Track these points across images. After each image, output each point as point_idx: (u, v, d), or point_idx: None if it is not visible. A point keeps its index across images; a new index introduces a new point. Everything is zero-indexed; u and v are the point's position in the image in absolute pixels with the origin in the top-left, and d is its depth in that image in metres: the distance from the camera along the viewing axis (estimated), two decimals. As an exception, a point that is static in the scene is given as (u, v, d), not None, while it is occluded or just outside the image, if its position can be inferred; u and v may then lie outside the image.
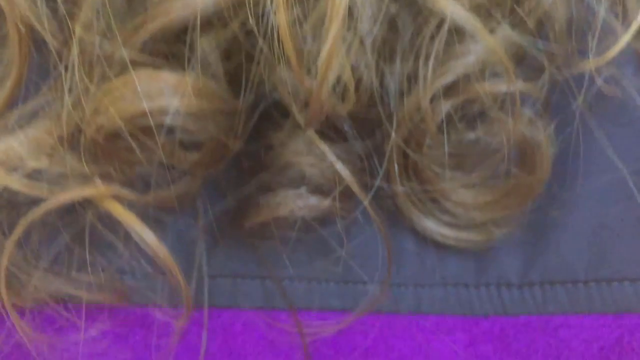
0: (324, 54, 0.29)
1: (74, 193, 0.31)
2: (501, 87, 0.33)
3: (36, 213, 0.31)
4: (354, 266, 0.36)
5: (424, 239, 0.37)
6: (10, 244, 0.31)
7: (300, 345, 0.36)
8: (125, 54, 0.30)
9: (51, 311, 0.33)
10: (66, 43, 0.32)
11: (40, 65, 0.33)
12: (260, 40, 0.30)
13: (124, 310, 0.36)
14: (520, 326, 0.36)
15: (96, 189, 0.31)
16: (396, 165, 0.35)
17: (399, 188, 0.35)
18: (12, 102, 0.33)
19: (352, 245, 0.36)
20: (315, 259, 0.36)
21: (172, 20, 0.30)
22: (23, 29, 0.32)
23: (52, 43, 0.32)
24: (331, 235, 0.35)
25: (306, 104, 0.32)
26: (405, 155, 0.35)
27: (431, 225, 0.36)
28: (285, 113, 0.33)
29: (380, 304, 0.36)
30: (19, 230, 0.31)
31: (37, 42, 0.33)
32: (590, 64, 0.31)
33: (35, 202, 0.32)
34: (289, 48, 0.29)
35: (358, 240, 0.36)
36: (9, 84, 0.33)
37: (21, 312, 0.34)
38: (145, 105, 0.30)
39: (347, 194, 0.34)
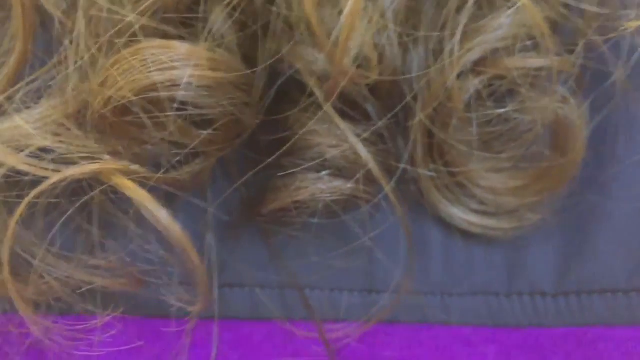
0: (345, 14, 0.27)
1: (80, 168, 0.30)
2: (534, 61, 0.31)
3: (40, 189, 0.29)
4: (377, 271, 0.34)
5: (450, 229, 0.35)
6: (12, 222, 0.30)
7: (323, 357, 0.34)
8: (135, 21, 0.29)
9: (64, 321, 0.32)
10: (70, 13, 0.30)
11: (45, 40, 0.32)
12: (283, 6, 0.29)
13: (138, 322, 0.34)
14: (556, 338, 0.34)
15: (104, 164, 0.30)
16: (421, 147, 0.33)
17: (424, 171, 0.33)
18: (17, 79, 0.32)
19: (375, 235, 0.34)
20: (336, 249, 0.34)
21: None
22: (27, 0, 0.31)
23: (55, 13, 0.31)
24: (353, 223, 0.34)
25: (325, 77, 0.30)
26: (430, 136, 0.33)
27: (457, 213, 0.34)
28: (304, 91, 0.32)
29: (407, 314, 0.34)
30: (22, 208, 0.30)
31: (42, 16, 0.32)
32: (631, 24, 0.29)
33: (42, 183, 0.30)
34: (309, 9, 0.28)
35: (381, 230, 0.34)
36: (13, 59, 0.32)
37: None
38: (156, 77, 0.29)
39: (370, 178, 0.32)
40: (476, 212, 0.34)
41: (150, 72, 0.29)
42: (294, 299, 0.35)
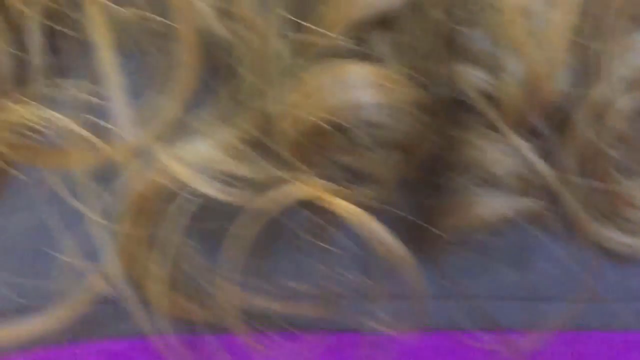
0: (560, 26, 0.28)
1: (295, 192, 0.29)
2: None
3: (256, 215, 0.29)
4: (543, 279, 0.34)
5: (600, 248, 0.35)
6: (239, 253, 0.29)
7: None
8: (335, 41, 0.29)
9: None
10: (244, 37, 0.30)
11: (208, 62, 0.32)
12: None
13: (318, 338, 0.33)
14: None
15: (319, 186, 0.30)
16: (577, 163, 0.33)
17: (580, 187, 0.33)
18: (189, 106, 0.31)
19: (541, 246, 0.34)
20: (502, 261, 0.34)
21: (377, 8, 0.29)
22: (198, 28, 0.31)
23: (228, 38, 0.31)
24: (511, 243, 0.34)
25: (509, 104, 0.30)
26: (586, 153, 0.33)
27: (608, 234, 0.34)
28: (465, 108, 0.32)
29: (568, 321, 0.34)
30: (246, 242, 0.30)
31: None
32: None
33: (227, 209, 0.30)
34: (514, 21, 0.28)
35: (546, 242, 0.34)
36: (182, 86, 0.31)
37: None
38: (347, 97, 0.29)
39: (536, 194, 0.32)
40: (627, 232, 0.34)
41: (341, 92, 0.29)
42: (458, 309, 0.34)
